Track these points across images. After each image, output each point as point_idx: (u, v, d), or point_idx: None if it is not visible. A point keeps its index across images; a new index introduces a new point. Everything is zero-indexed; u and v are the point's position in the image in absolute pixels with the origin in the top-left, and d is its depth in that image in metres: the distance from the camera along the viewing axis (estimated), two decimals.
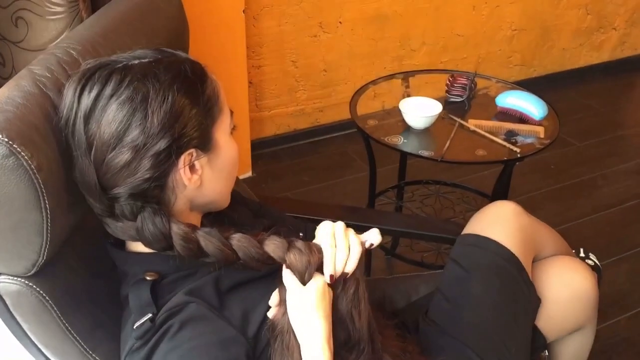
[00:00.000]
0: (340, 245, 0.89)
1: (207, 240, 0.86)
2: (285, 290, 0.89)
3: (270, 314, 0.91)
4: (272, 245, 0.88)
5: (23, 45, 1.35)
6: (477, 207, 2.16)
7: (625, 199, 2.53)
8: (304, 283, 0.87)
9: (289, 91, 2.78)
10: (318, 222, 1.39)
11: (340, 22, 2.70)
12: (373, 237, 0.92)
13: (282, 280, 0.90)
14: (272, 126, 2.82)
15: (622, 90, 3.53)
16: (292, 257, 0.87)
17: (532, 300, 1.20)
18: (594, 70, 3.53)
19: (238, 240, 0.87)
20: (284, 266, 0.89)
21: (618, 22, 3.45)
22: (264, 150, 2.77)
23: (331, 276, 0.88)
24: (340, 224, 0.91)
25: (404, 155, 2.11)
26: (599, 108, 3.24)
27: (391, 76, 2.07)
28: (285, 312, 0.88)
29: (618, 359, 1.85)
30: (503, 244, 1.20)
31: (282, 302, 0.90)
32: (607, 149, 2.90)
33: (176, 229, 0.86)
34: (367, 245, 0.92)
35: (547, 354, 1.34)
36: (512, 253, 1.19)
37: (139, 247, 0.92)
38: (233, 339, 0.87)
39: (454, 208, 2.26)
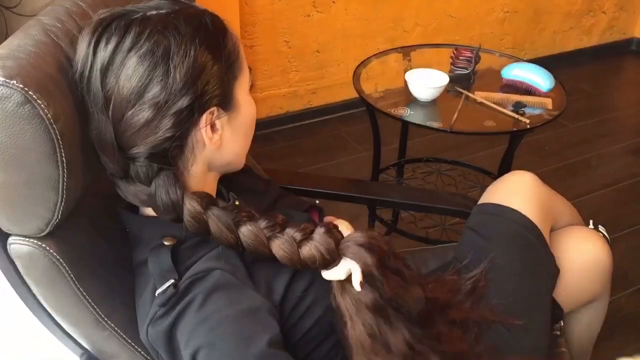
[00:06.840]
0: None
1: (216, 225, 0.82)
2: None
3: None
4: (278, 246, 0.84)
5: (18, 10, 1.29)
6: (480, 184, 2.19)
7: (621, 179, 2.54)
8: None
9: (281, 72, 2.73)
10: (323, 194, 1.40)
11: (333, 1, 2.66)
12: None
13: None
14: (264, 108, 2.77)
15: (612, 74, 3.55)
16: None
17: (552, 271, 1.17)
18: (583, 54, 3.54)
19: (246, 232, 0.84)
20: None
21: (607, 6, 3.46)
22: (257, 133, 2.70)
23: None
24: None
25: (405, 133, 2.08)
26: (590, 91, 3.25)
27: (394, 50, 2.03)
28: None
29: (620, 335, 1.84)
30: (523, 212, 1.17)
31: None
32: (600, 130, 2.91)
33: (188, 205, 0.82)
34: None
35: (562, 324, 1.32)
36: (532, 222, 1.16)
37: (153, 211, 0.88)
38: (262, 305, 0.83)
39: (456, 185, 2.24)
